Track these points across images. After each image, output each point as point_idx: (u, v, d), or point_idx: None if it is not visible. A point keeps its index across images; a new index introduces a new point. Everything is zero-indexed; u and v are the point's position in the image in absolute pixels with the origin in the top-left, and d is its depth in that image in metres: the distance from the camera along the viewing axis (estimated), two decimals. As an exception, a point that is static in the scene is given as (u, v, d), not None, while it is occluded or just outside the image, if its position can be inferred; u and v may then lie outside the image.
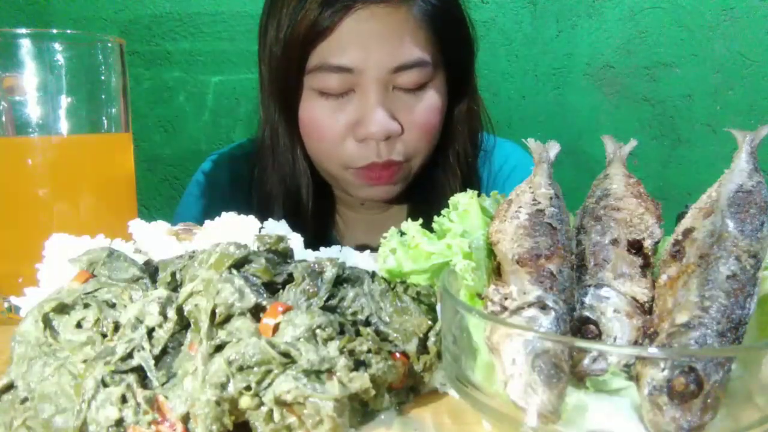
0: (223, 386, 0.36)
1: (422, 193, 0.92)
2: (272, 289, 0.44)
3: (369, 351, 0.39)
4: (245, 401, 0.36)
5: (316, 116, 0.80)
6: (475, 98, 0.93)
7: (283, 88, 0.82)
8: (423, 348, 0.43)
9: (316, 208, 0.91)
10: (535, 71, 1.45)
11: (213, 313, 0.39)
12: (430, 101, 0.82)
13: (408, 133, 0.81)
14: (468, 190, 0.50)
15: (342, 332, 0.40)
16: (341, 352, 0.38)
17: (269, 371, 0.37)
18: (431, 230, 0.48)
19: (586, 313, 0.41)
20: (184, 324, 0.41)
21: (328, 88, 0.78)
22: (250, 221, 0.53)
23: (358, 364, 0.39)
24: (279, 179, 0.90)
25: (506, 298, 0.39)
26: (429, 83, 0.82)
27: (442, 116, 0.85)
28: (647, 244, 0.44)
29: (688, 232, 0.42)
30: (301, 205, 0.90)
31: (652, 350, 0.36)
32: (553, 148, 0.51)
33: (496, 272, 0.43)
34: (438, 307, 0.45)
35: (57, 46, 0.61)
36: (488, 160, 0.99)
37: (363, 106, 0.78)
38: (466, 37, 0.87)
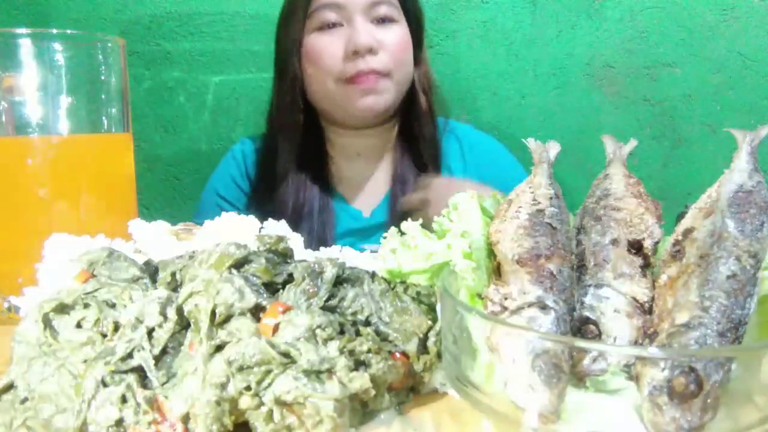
0: (223, 386, 0.36)
1: (403, 143, 1.16)
2: (272, 289, 0.44)
3: (369, 351, 0.40)
4: (245, 401, 0.36)
5: (317, 44, 1.07)
6: (428, 61, 1.19)
7: (293, 25, 1.09)
8: (423, 348, 0.44)
9: (313, 152, 1.13)
10: (535, 71, 1.45)
11: (213, 313, 0.39)
12: (398, 33, 1.10)
13: (385, 50, 1.06)
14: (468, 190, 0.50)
15: (342, 332, 0.40)
16: (341, 352, 0.38)
17: (269, 371, 0.37)
18: (431, 230, 0.48)
19: (586, 313, 0.41)
20: (184, 324, 0.41)
21: (325, 21, 1.05)
22: (250, 221, 0.53)
23: (358, 364, 0.39)
24: (285, 110, 1.12)
25: (506, 298, 0.39)
26: (396, 24, 1.09)
27: (408, 48, 1.11)
28: (647, 244, 0.44)
29: (688, 232, 0.41)
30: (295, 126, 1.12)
31: (652, 350, 0.36)
32: (553, 148, 0.51)
33: (496, 272, 0.43)
34: (438, 307, 0.45)
35: (57, 46, 0.61)
36: (457, 128, 1.22)
37: (351, 30, 1.05)
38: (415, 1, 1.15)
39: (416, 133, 1.14)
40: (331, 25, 1.06)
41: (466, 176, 1.16)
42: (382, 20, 1.07)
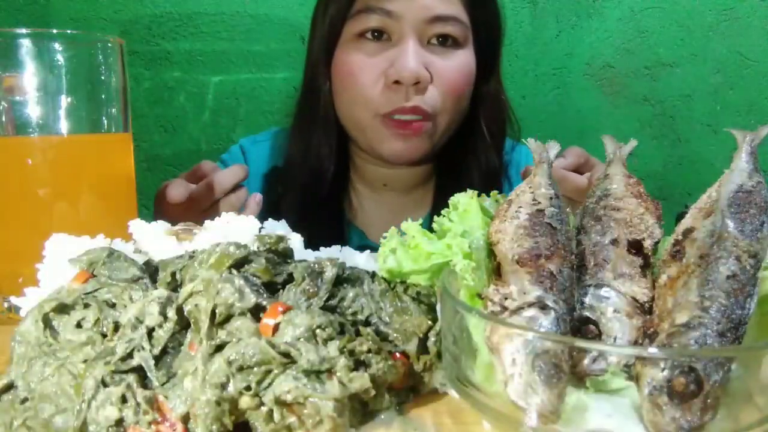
0: (223, 386, 0.36)
1: (447, 178, 0.96)
2: (272, 289, 0.44)
3: (369, 351, 0.39)
4: (245, 401, 0.36)
5: (351, 59, 0.84)
6: (501, 85, 0.96)
7: (327, 34, 0.87)
8: (423, 348, 0.43)
9: (334, 185, 0.93)
10: (535, 71, 1.45)
11: (213, 313, 0.39)
12: (460, 62, 0.86)
13: (436, 84, 0.84)
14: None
15: (342, 332, 0.40)
16: (341, 352, 0.38)
17: (269, 371, 0.37)
18: (432, 230, 0.48)
19: (586, 313, 0.41)
20: (184, 324, 0.41)
21: (366, 28, 0.83)
22: (250, 221, 0.53)
23: (358, 364, 0.39)
24: (306, 139, 0.93)
25: (506, 298, 0.39)
26: (460, 48, 0.86)
27: (469, 82, 0.88)
28: (647, 244, 0.44)
29: (688, 232, 0.41)
30: (322, 168, 0.92)
31: (652, 350, 0.36)
32: (553, 148, 0.51)
33: (496, 272, 0.43)
34: (438, 307, 0.45)
35: (57, 46, 0.61)
36: (512, 161, 1.03)
37: (397, 50, 0.82)
38: (495, 15, 0.91)
39: (471, 170, 0.93)
40: (375, 35, 0.83)
41: (510, 191, 1.00)
42: (443, 40, 0.84)
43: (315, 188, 0.93)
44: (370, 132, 0.88)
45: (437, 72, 0.84)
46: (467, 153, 0.94)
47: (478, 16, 0.87)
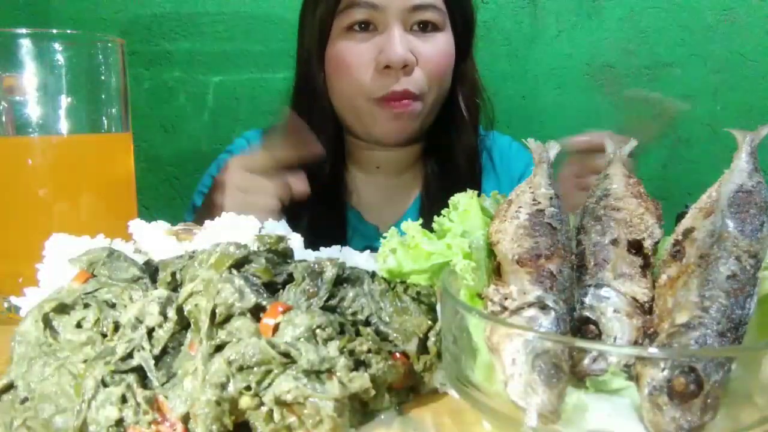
0: (223, 386, 0.36)
1: (434, 159, 1.05)
2: (272, 289, 0.44)
3: (369, 351, 0.39)
4: (245, 401, 0.36)
5: (343, 49, 0.94)
6: (474, 65, 1.07)
7: (318, 31, 0.96)
8: (423, 348, 0.43)
9: (332, 171, 1.01)
10: (535, 71, 1.45)
11: (213, 313, 0.39)
12: (440, 43, 0.96)
13: (422, 65, 0.94)
14: (468, 190, 0.50)
15: (342, 332, 0.40)
16: (341, 352, 0.38)
17: (269, 371, 0.37)
18: (431, 230, 0.48)
19: (586, 313, 0.41)
20: (184, 324, 0.41)
21: (354, 22, 0.92)
22: (250, 221, 0.53)
23: (358, 364, 0.39)
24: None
25: (506, 298, 0.39)
26: (439, 32, 0.96)
27: (450, 61, 0.99)
28: (647, 244, 0.44)
29: (688, 232, 0.41)
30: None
31: (652, 350, 0.36)
32: (553, 148, 0.51)
33: (496, 272, 0.43)
34: (438, 307, 0.45)
35: (57, 46, 0.61)
36: (494, 148, 1.12)
37: (384, 38, 0.92)
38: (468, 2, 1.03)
39: (454, 149, 1.03)
40: (362, 26, 0.93)
41: (499, 185, 1.06)
42: (424, 26, 0.94)
43: (316, 176, 0.97)
44: (365, 116, 0.96)
45: (421, 55, 0.93)
46: (450, 135, 1.04)
47: (452, 2, 0.97)
